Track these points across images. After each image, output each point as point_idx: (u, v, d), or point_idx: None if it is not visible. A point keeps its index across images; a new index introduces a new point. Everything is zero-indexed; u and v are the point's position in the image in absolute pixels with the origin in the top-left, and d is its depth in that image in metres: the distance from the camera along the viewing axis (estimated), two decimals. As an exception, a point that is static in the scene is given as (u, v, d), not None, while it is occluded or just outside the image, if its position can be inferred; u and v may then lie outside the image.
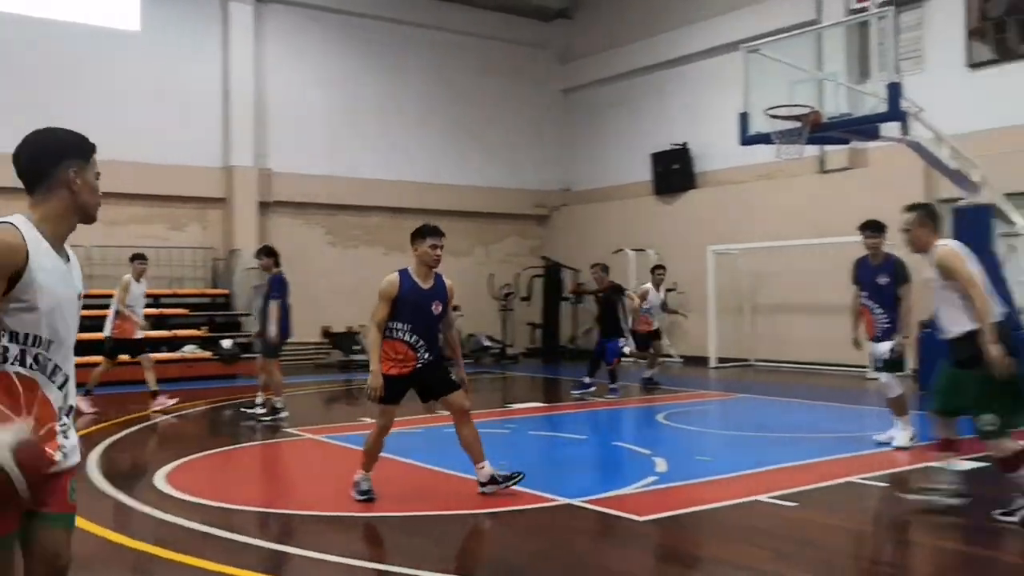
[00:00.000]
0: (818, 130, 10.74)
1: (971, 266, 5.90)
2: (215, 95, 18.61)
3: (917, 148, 11.60)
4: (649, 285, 14.24)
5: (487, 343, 20.37)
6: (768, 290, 18.07)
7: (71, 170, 2.82)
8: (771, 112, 10.68)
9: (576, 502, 6.38)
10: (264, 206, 19.11)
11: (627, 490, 6.84)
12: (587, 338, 21.28)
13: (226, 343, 16.43)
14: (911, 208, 6.42)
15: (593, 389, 12.93)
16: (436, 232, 6.46)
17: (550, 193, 23.24)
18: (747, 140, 11.64)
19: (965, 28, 15.41)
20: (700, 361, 18.28)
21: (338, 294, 19.16)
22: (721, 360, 17.96)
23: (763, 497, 6.46)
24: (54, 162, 2.81)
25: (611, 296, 13.18)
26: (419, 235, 6.47)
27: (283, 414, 10.57)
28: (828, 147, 16.23)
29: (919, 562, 5.61)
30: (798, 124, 10.69)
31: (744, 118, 11.71)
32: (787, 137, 10.60)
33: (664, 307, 14.45)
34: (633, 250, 19.83)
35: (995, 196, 12.70)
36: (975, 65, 15.35)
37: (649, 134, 20.69)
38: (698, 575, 5.32)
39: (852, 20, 13.27)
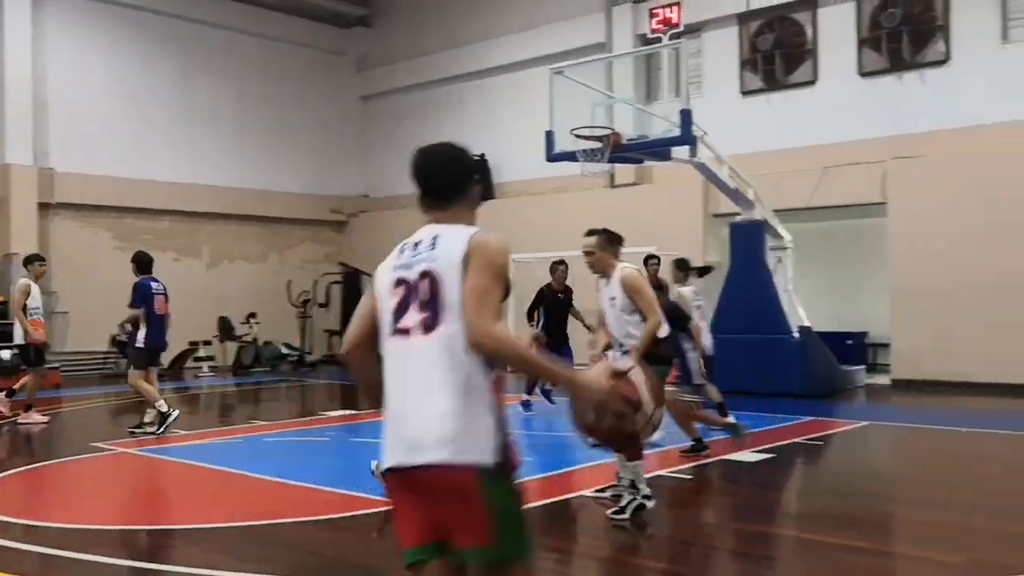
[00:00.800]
0: (618, 150, 11.54)
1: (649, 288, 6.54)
2: (-13, 86, 17.35)
3: (702, 169, 12.72)
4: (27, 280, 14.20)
5: (285, 351, 20.10)
6: (563, 297, 18.96)
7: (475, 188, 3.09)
8: (576, 132, 11.36)
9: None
10: (44, 207, 17.94)
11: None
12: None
13: (4, 353, 15.43)
14: (591, 232, 6.55)
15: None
16: None
17: (348, 199, 23.21)
18: (553, 157, 12.31)
19: (739, 58, 16.94)
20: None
21: (126, 301, 18.28)
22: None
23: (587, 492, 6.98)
24: (470, 177, 3.09)
25: (569, 298, 12.20)
26: None
27: (173, 414, 10.10)
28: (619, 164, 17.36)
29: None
30: (600, 144, 11.43)
31: (550, 136, 12.37)
32: (590, 156, 11.31)
33: None
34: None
35: (766, 212, 14.11)
36: (747, 92, 16.90)
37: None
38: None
39: (650, 49, 14.32)
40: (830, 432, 10.40)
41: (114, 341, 18.24)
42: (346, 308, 21.53)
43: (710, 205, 16.99)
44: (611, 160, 11.89)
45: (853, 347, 16.45)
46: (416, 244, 3.01)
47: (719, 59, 17.19)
